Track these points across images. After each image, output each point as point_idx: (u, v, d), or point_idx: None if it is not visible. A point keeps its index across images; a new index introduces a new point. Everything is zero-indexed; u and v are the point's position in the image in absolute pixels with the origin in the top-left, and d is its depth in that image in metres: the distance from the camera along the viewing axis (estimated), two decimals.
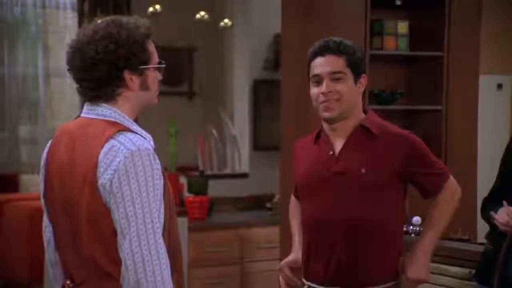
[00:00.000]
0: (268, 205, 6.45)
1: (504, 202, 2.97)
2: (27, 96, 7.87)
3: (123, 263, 2.08)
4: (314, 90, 2.76)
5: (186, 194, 6.05)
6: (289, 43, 4.96)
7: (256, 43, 6.95)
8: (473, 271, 3.38)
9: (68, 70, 2.24)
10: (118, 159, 2.09)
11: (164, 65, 2.28)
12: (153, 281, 2.06)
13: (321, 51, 2.74)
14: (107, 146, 2.11)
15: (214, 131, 7.01)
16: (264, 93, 6.97)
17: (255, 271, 5.97)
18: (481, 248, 3.29)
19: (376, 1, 4.69)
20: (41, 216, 2.38)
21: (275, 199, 6.24)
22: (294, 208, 3.05)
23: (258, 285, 5.97)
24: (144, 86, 2.23)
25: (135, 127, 2.21)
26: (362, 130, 2.77)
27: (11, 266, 6.50)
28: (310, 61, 2.77)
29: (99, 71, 2.17)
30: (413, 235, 3.84)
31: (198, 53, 8.02)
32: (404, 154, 2.72)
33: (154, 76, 2.25)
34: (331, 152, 2.77)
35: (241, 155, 7.02)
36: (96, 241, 2.13)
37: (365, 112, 2.83)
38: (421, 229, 3.03)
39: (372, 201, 2.71)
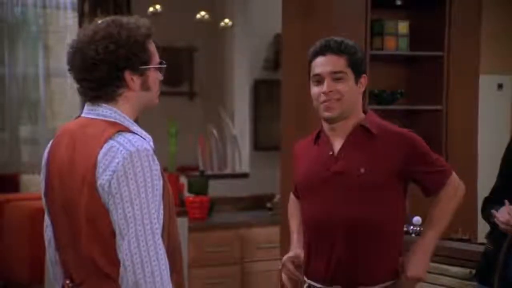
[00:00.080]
0: (268, 205, 6.45)
1: (506, 202, 2.97)
2: (28, 96, 7.87)
3: (121, 264, 2.08)
4: (314, 90, 2.75)
5: (186, 194, 6.05)
6: (289, 43, 4.96)
7: (256, 43, 6.95)
8: (474, 271, 3.38)
9: (69, 70, 2.24)
10: (116, 160, 2.09)
11: (165, 65, 2.28)
12: (152, 282, 2.06)
13: (322, 51, 2.74)
14: (106, 146, 2.11)
15: (215, 131, 7.01)
16: (264, 93, 6.97)
17: (255, 271, 5.97)
18: (481, 248, 3.29)
19: (377, 1, 4.69)
20: (42, 216, 2.39)
21: (276, 199, 6.24)
22: (293, 207, 3.06)
23: (258, 285, 5.97)
24: (145, 87, 2.23)
25: (135, 127, 2.21)
26: (361, 130, 2.76)
27: (11, 266, 6.50)
28: (310, 61, 2.77)
29: (100, 71, 2.17)
30: (413, 235, 3.84)
31: (198, 53, 8.02)
32: (404, 153, 2.72)
33: (155, 77, 2.25)
34: (331, 152, 2.77)
35: (242, 155, 7.02)
36: (95, 241, 2.13)
37: (364, 112, 2.82)
38: (422, 228, 3.03)
39: (372, 201, 2.71)
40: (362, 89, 2.79)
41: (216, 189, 6.28)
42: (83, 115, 2.25)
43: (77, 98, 6.75)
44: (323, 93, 2.72)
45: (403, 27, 4.87)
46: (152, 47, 2.24)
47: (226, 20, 7.28)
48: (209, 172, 6.67)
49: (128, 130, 2.17)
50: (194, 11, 7.32)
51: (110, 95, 2.20)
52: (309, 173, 2.82)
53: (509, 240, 3.01)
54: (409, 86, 5.00)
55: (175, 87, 7.77)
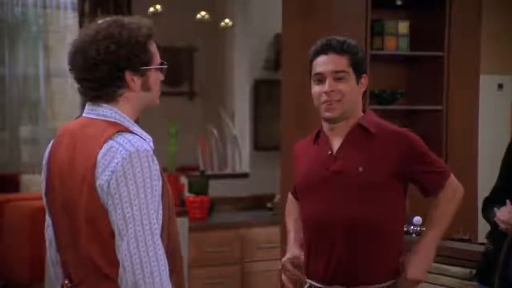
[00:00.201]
0: (268, 205, 6.45)
1: (508, 201, 2.97)
2: (28, 96, 7.86)
3: (121, 265, 2.08)
4: (315, 89, 2.74)
5: (186, 194, 6.06)
6: (289, 43, 4.96)
7: (256, 43, 6.95)
8: (474, 271, 3.38)
9: (70, 70, 2.24)
10: (116, 160, 2.09)
11: (166, 66, 2.28)
12: (151, 282, 2.05)
13: (324, 50, 2.73)
14: (105, 147, 2.11)
15: (215, 131, 7.01)
16: (264, 93, 6.97)
17: (255, 271, 5.97)
18: (481, 248, 3.29)
19: (377, 1, 4.69)
20: (42, 216, 2.39)
21: (276, 199, 6.24)
22: (291, 207, 3.05)
23: (258, 285, 5.97)
24: (146, 87, 2.23)
25: (135, 128, 2.21)
26: (359, 129, 2.76)
27: (11, 266, 6.50)
28: (312, 60, 2.75)
29: (100, 72, 2.17)
30: (413, 235, 3.84)
31: (198, 53, 8.01)
32: (402, 152, 2.71)
33: (155, 77, 2.25)
34: (329, 152, 2.77)
35: (242, 155, 7.02)
36: (94, 241, 2.13)
37: (364, 112, 2.82)
38: (422, 229, 3.03)
39: (371, 201, 2.70)
40: (363, 89, 2.79)
41: (216, 189, 6.29)
42: (83, 115, 2.25)
43: (77, 98, 6.76)
44: (325, 92, 2.71)
45: (403, 27, 4.88)
46: (153, 47, 2.23)
47: (226, 20, 7.28)
48: (209, 172, 6.67)
49: (128, 131, 2.17)
50: (194, 11, 7.32)
51: (111, 95, 2.20)
52: (309, 173, 2.82)
53: (509, 240, 3.01)
54: (409, 86, 5.00)
55: (175, 87, 7.76)
